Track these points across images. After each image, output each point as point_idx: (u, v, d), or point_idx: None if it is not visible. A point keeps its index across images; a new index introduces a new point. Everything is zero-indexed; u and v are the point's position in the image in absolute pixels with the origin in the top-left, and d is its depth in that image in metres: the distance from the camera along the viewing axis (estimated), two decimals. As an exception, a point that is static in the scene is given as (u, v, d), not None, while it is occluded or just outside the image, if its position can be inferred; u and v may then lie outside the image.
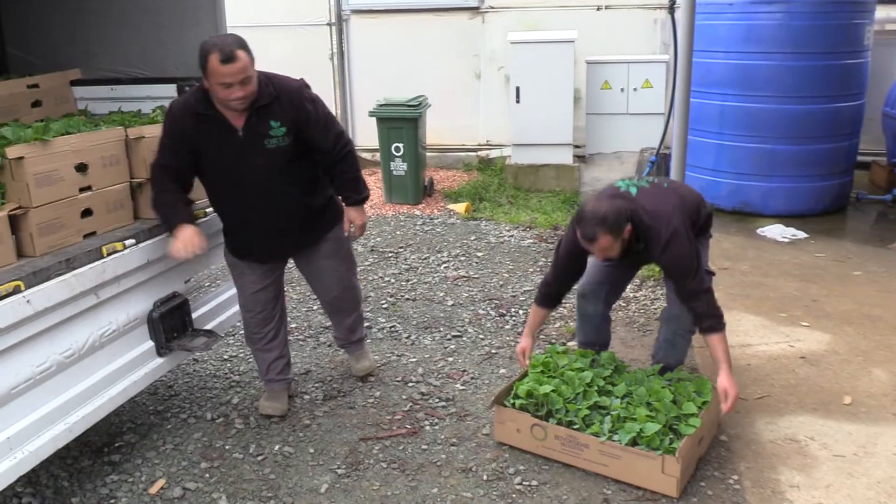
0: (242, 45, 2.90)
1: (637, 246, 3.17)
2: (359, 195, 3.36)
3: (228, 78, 2.84)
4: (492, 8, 8.29)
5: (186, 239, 3.02)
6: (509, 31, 7.89)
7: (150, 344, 3.15)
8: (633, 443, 2.93)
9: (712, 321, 3.09)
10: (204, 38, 2.91)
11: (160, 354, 3.19)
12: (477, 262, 5.62)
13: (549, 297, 3.46)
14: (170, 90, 3.76)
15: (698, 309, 3.11)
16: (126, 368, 3.02)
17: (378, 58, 8.43)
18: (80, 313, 2.78)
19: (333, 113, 3.45)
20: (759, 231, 6.09)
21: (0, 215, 2.65)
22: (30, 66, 4.08)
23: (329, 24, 8.47)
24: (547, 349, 3.54)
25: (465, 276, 5.32)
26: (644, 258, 3.34)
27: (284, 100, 3.07)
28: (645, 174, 7.41)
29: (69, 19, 4.04)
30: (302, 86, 3.17)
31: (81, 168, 2.97)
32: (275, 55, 8.11)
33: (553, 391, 3.14)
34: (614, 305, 3.94)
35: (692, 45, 6.00)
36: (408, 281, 5.30)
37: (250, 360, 4.17)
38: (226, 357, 4.20)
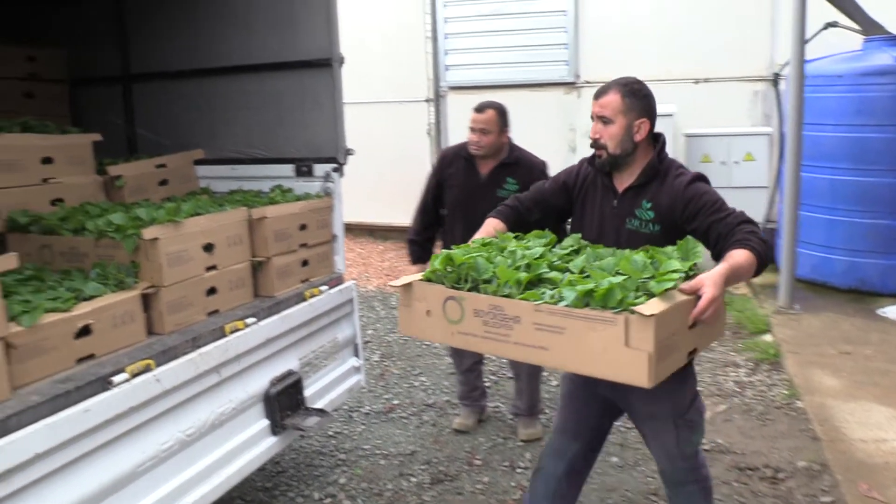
0: (498, 109, 3.79)
1: (650, 178, 2.44)
2: None
3: (472, 123, 3.79)
4: (588, 83, 8.33)
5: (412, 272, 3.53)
6: (605, 106, 7.89)
7: (266, 422, 3.15)
8: (586, 305, 1.99)
9: (751, 238, 2.21)
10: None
11: (274, 433, 3.18)
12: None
13: (513, 209, 2.69)
14: (287, 170, 3.88)
15: (742, 230, 2.26)
16: (242, 447, 3.02)
17: (473, 132, 8.58)
18: (203, 392, 2.81)
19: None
20: (879, 311, 5.74)
21: (134, 294, 2.74)
22: (157, 147, 4.30)
23: (427, 101, 8.69)
24: (498, 233, 2.58)
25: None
26: (647, 217, 2.46)
27: (524, 167, 3.81)
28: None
29: (195, 102, 4.25)
30: (543, 164, 3.89)
31: (208, 248, 3.06)
32: (376, 129, 8.43)
33: (483, 256, 2.26)
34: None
35: (802, 118, 5.86)
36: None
37: (355, 437, 4.13)
38: (331, 433, 4.18)
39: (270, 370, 3.19)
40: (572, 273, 2.16)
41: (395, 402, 4.58)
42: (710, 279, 2.01)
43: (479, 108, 3.78)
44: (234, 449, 2.98)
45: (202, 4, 4.15)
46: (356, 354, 3.83)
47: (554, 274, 2.17)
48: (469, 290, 2.20)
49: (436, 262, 2.29)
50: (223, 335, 2.92)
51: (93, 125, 3.97)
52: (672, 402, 2.47)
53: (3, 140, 3.22)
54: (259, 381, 3.13)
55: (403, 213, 3.01)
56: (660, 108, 7.63)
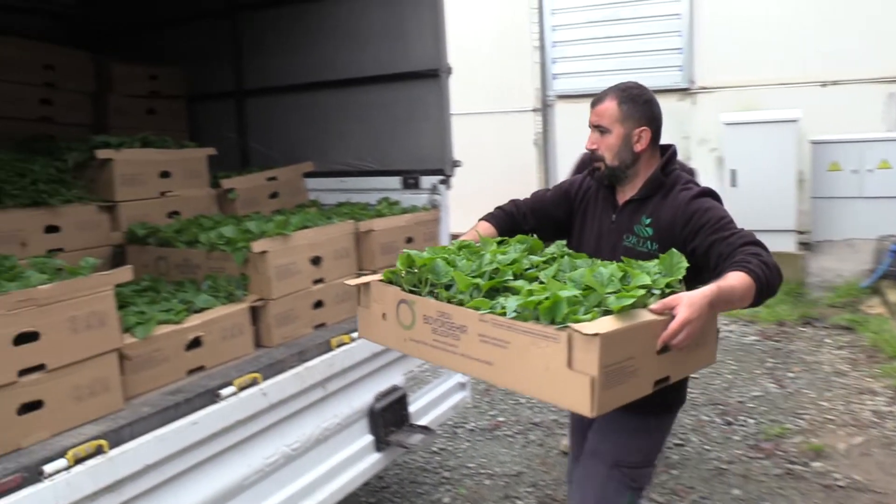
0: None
1: (652, 191, 2.20)
2: None
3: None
4: (703, 89, 7.96)
5: None
6: (722, 112, 7.52)
7: (370, 438, 3.10)
8: (536, 319, 1.74)
9: (751, 260, 1.88)
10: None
11: (378, 449, 3.13)
12: (695, 360, 5.18)
13: (508, 214, 2.47)
14: (394, 182, 3.85)
15: (746, 251, 1.93)
16: (346, 463, 2.98)
17: (582, 141, 8.36)
18: (308, 406, 2.79)
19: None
20: None
21: (243, 307, 2.76)
22: (268, 160, 4.37)
23: (534, 110, 8.56)
24: (482, 237, 2.29)
25: (682, 375, 4.90)
26: (644, 231, 2.20)
27: None
28: (885, 266, 6.63)
29: (305, 115, 4.30)
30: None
31: (315, 261, 3.05)
32: (482, 140, 8.34)
33: (443, 258, 2.05)
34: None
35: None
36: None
37: (460, 454, 4.04)
38: (435, 449, 4.11)
39: (375, 385, 3.15)
40: (541, 283, 1.89)
41: (501, 419, 4.46)
42: (687, 299, 1.71)
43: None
44: (338, 464, 2.94)
45: (315, 20, 4.21)
46: (461, 370, 3.74)
47: (520, 283, 1.90)
48: (426, 295, 2.00)
49: (398, 263, 2.13)
50: (329, 349, 2.90)
51: (209, 139, 4.08)
52: (619, 445, 2.21)
53: (125, 155, 3.34)
54: (364, 396, 3.08)
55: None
56: (784, 114, 7.20)
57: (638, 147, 2.20)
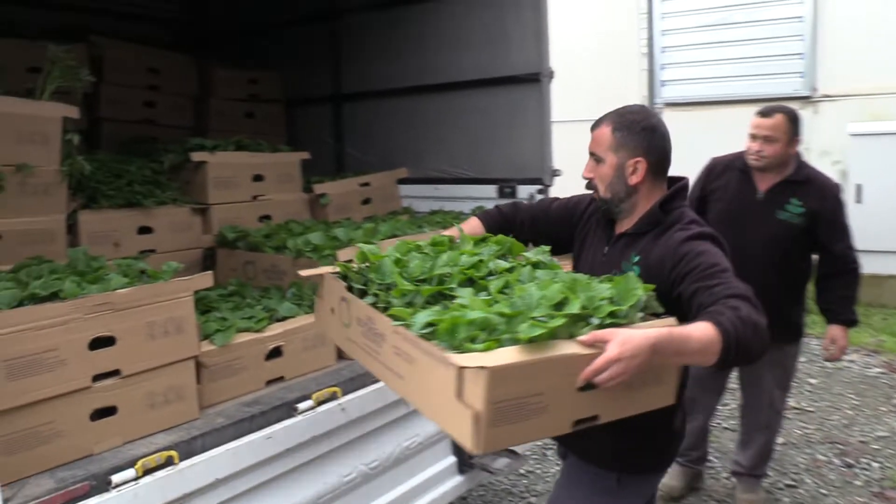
0: (789, 114, 3.14)
1: (647, 228, 1.97)
2: (848, 315, 3.26)
3: (754, 130, 3.18)
4: (827, 97, 7.41)
5: None
6: (848, 122, 6.97)
7: (453, 460, 2.95)
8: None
9: (725, 313, 1.62)
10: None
11: (461, 472, 2.98)
12: (810, 391, 4.76)
13: (503, 216, 2.29)
14: (490, 191, 3.71)
15: (726, 304, 1.66)
16: (427, 485, 2.84)
17: (690, 151, 7.86)
18: (389, 423, 2.67)
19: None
20: None
21: (326, 316, 2.66)
22: (363, 165, 4.32)
23: (640, 118, 8.23)
24: (463, 235, 2.13)
25: (796, 408, 4.51)
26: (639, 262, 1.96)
27: (815, 188, 3.17)
28: None
29: (402, 119, 4.22)
30: (838, 188, 3.24)
31: (403, 271, 2.93)
32: (583, 148, 8.08)
33: (397, 258, 1.93)
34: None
35: None
36: (724, 405, 4.62)
37: (548, 478, 3.84)
38: (522, 472, 3.91)
39: (460, 403, 3.00)
40: (487, 291, 1.74)
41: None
42: (623, 336, 1.50)
43: (766, 112, 3.18)
44: (418, 485, 2.82)
45: (415, 23, 4.12)
46: (553, 391, 3.54)
47: (466, 291, 1.73)
48: (371, 295, 1.87)
49: (355, 257, 2.04)
50: (413, 364, 2.77)
51: (306, 144, 4.06)
52: (579, 501, 2.07)
53: (219, 158, 3.34)
54: (448, 415, 2.94)
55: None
56: (920, 126, 6.46)
57: (633, 179, 1.96)
